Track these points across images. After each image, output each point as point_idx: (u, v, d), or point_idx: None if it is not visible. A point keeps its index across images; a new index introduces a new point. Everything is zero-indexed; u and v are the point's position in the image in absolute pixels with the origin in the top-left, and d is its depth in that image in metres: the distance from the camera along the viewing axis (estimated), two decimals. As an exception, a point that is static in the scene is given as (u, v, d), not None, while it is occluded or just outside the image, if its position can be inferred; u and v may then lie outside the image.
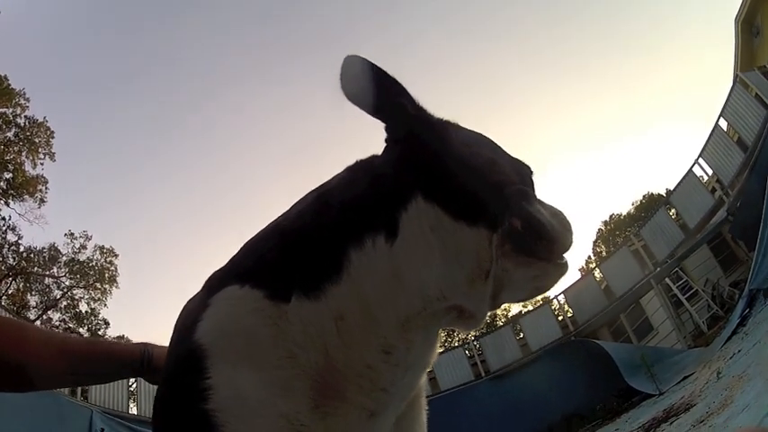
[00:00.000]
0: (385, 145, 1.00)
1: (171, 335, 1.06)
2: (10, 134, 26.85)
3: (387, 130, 0.98)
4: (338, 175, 1.02)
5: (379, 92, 0.93)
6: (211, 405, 0.79)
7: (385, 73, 0.94)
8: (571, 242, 1.03)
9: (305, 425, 0.82)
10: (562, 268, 1.02)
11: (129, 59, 48.19)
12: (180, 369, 0.86)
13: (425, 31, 57.61)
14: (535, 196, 1.04)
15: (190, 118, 52.06)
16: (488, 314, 1.01)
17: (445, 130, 1.01)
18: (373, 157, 1.01)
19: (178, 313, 1.05)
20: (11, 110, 26.66)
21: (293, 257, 0.90)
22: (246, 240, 1.00)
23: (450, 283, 0.90)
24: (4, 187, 26.98)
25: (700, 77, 73.13)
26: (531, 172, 1.09)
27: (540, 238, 0.95)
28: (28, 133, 27.18)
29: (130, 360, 1.33)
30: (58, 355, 1.24)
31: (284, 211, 1.03)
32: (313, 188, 1.03)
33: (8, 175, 26.90)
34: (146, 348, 1.35)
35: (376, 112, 0.95)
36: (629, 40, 65.84)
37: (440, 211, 0.90)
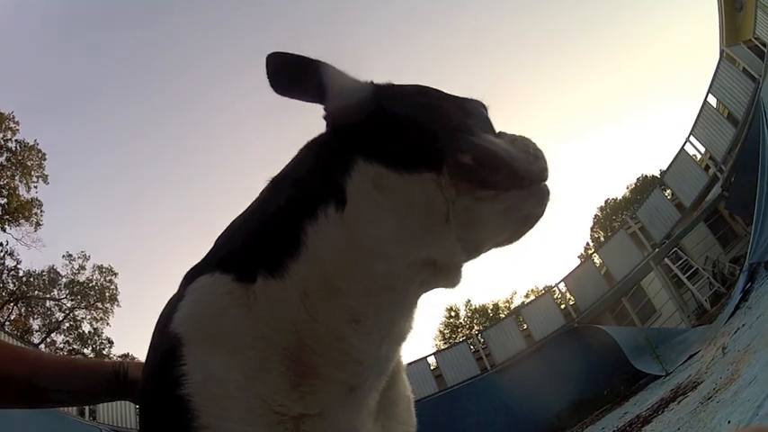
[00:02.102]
0: (324, 122, 1.01)
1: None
2: (2, 159, 26.91)
3: (324, 109, 0.99)
4: (293, 157, 1.04)
5: (306, 78, 0.94)
6: (187, 390, 0.79)
7: (306, 58, 0.95)
8: (541, 166, 0.98)
9: (282, 405, 0.82)
10: (539, 193, 0.97)
11: (119, 76, 48.32)
12: (157, 358, 0.87)
13: (418, 9, 57.94)
14: (489, 129, 1.03)
15: (185, 131, 52.18)
16: (468, 262, 0.98)
17: (374, 91, 1.01)
18: (321, 134, 1.03)
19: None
20: (1, 134, 26.65)
21: (256, 240, 0.91)
22: (218, 236, 1.03)
23: (408, 237, 0.88)
24: (0, 213, 26.98)
25: (685, 55, 73.42)
26: (484, 107, 1.07)
27: (495, 168, 0.91)
28: (20, 157, 27.21)
29: (105, 375, 1.29)
30: (31, 371, 1.21)
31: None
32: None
33: (2, 201, 26.93)
34: (121, 363, 1.32)
35: (308, 97, 0.97)
36: (612, 25, 66.09)
37: (381, 168, 0.89)
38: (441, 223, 0.89)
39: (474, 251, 0.97)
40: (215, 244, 1.01)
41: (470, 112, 1.03)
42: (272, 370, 0.83)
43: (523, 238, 1.01)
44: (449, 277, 0.96)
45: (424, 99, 1.01)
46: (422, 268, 0.92)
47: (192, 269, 0.98)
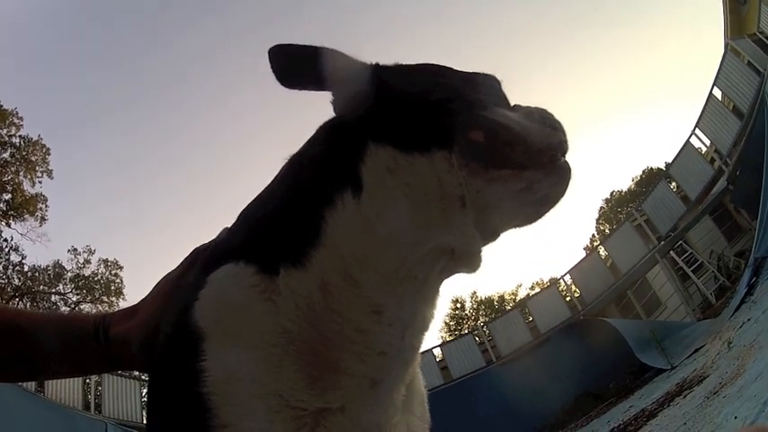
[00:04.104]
0: (333, 108, 0.97)
1: (148, 297, 1.08)
2: (6, 155, 26.84)
3: (332, 94, 0.96)
4: (309, 138, 1.00)
5: (312, 67, 0.91)
6: (207, 388, 0.78)
7: (309, 47, 0.92)
8: (558, 138, 0.93)
9: (301, 400, 0.80)
10: (559, 171, 0.93)
11: (123, 69, 48.25)
12: (176, 351, 0.85)
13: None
14: (502, 103, 0.99)
15: (189, 124, 52.17)
16: (486, 246, 0.94)
17: (380, 72, 0.97)
18: (334, 117, 0.99)
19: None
20: (5, 130, 26.62)
21: (278, 227, 0.89)
22: (239, 213, 1.00)
23: (424, 223, 0.86)
24: (4, 208, 27.00)
25: (691, 48, 73.02)
26: (497, 80, 1.03)
27: (508, 144, 0.88)
28: (24, 152, 27.16)
29: (84, 329, 1.09)
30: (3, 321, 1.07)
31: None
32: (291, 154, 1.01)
33: (7, 196, 26.92)
34: (103, 317, 1.12)
35: (316, 86, 0.94)
36: (619, 15, 65.74)
37: (392, 151, 0.86)
38: (457, 208, 0.86)
39: (491, 235, 0.94)
40: (236, 224, 0.99)
41: (481, 87, 0.98)
42: (291, 365, 0.81)
43: (544, 217, 0.97)
44: (468, 263, 0.92)
45: (429, 76, 0.98)
46: (440, 255, 0.89)
47: (212, 253, 0.96)
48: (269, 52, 0.90)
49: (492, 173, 0.87)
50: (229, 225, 1.03)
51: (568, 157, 0.95)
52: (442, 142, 0.86)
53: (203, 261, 0.95)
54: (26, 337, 1.05)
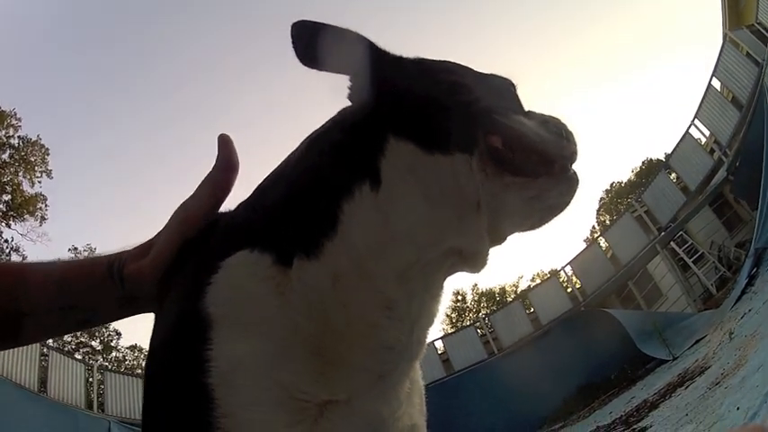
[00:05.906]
0: (348, 95, 0.95)
1: (163, 232, 1.01)
2: (5, 156, 26.82)
3: (351, 80, 0.94)
4: (330, 119, 0.98)
5: (335, 49, 0.89)
6: (211, 379, 0.76)
7: (335, 27, 0.90)
8: (571, 149, 0.95)
9: (306, 392, 0.80)
10: (568, 182, 0.95)
11: (121, 66, 48.23)
12: (182, 335, 0.83)
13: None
14: (519, 108, 1.00)
15: (191, 121, 52.17)
16: (492, 249, 0.94)
17: (404, 65, 0.97)
18: (352, 105, 0.97)
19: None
20: (3, 131, 26.61)
21: (294, 213, 0.87)
22: (256, 187, 0.97)
23: (440, 224, 0.86)
24: (4, 209, 27.00)
25: (690, 39, 72.97)
26: (513, 85, 1.04)
27: (524, 151, 0.89)
28: (23, 153, 27.15)
29: (98, 272, 1.01)
30: (14, 282, 1.00)
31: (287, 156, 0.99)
32: (310, 133, 0.99)
33: (7, 197, 26.90)
34: (117, 257, 1.03)
35: (337, 69, 0.93)
36: (618, 7, 65.64)
37: (413, 148, 0.86)
38: (473, 212, 0.87)
39: (499, 239, 0.95)
40: (252, 202, 0.96)
41: (500, 91, 1.00)
42: (298, 358, 0.80)
43: (547, 224, 0.99)
44: (475, 264, 0.93)
45: (454, 76, 0.97)
46: (449, 255, 0.89)
47: (227, 233, 0.93)
48: (292, 27, 0.89)
49: (508, 179, 0.88)
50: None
51: (576, 167, 0.98)
52: (464, 145, 0.87)
53: (217, 240, 0.92)
54: (30, 305, 1.00)
